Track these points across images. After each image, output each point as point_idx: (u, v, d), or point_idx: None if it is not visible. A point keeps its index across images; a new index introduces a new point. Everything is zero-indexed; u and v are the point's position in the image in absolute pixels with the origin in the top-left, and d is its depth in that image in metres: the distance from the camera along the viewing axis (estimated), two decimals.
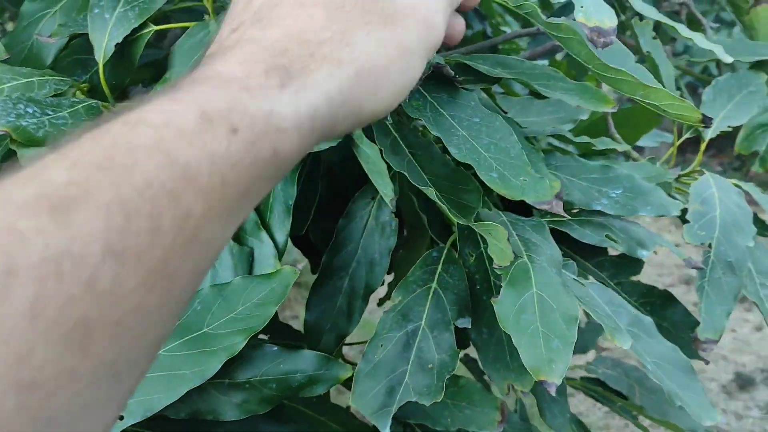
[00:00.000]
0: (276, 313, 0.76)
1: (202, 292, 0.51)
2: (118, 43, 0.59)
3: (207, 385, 0.50)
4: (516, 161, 0.46)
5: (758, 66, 0.85)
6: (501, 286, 0.45)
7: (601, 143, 0.64)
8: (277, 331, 0.70)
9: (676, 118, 0.41)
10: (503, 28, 1.16)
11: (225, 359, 0.48)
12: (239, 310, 0.51)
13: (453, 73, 0.52)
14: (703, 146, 0.70)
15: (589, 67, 0.51)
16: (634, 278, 0.63)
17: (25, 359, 0.17)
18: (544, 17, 0.49)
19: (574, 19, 0.43)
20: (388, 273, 0.68)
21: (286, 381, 0.51)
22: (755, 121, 0.82)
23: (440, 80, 0.52)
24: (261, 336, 0.70)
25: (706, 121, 0.40)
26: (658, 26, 0.96)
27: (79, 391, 0.19)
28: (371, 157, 0.50)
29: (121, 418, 0.46)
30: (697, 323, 0.57)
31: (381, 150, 0.48)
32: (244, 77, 0.26)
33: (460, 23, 0.37)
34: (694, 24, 0.96)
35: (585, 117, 0.65)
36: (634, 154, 0.76)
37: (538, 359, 0.42)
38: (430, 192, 0.46)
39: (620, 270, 0.62)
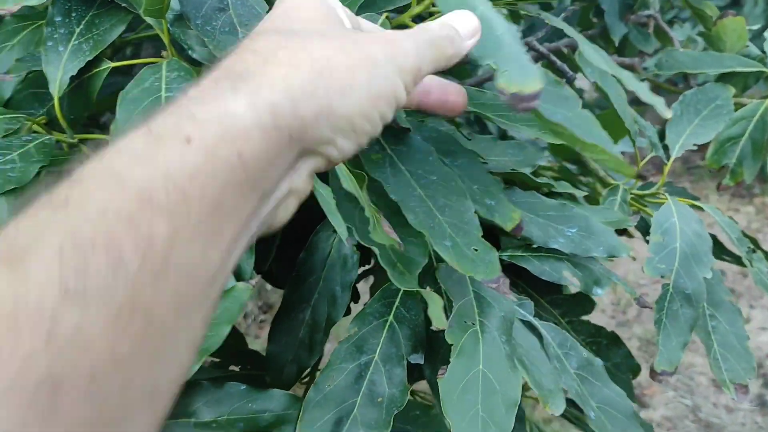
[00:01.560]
0: (245, 341, 0.76)
1: None
2: (73, 77, 0.58)
3: (172, 425, 0.50)
4: (469, 226, 0.46)
5: (725, 78, 0.85)
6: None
7: (560, 186, 0.64)
8: (247, 361, 0.71)
9: (613, 171, 0.41)
10: None
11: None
12: None
13: (403, 124, 0.52)
14: (666, 169, 0.71)
15: (532, 116, 0.51)
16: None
17: None
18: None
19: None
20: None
21: (254, 420, 0.51)
22: (724, 134, 0.82)
23: (398, 130, 0.52)
24: (232, 367, 0.70)
25: (641, 178, 0.41)
26: (625, 40, 0.96)
27: None
28: (325, 197, 0.50)
29: None
30: (638, 367, 0.57)
31: (334, 197, 0.48)
32: (194, 92, 0.25)
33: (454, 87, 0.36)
34: (662, 36, 0.96)
35: (543, 162, 0.66)
36: (601, 190, 0.76)
37: None
38: (376, 251, 0.46)
39: (572, 308, 0.62)
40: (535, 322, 0.53)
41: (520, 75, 0.34)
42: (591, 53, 0.43)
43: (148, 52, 0.86)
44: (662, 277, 0.59)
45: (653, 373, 0.57)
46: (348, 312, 0.62)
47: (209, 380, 0.51)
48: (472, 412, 0.44)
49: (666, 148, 0.72)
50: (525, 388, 0.51)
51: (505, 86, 0.34)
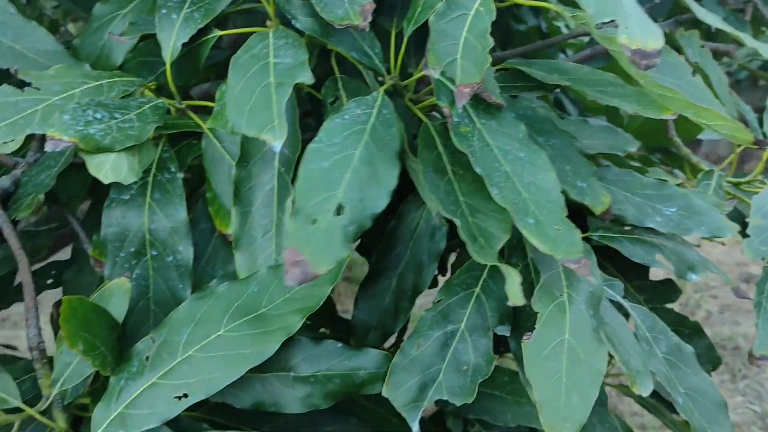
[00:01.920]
0: (335, 308, 0.78)
1: (259, 274, 0.52)
2: (184, 44, 0.61)
3: (271, 378, 0.52)
4: (554, 206, 0.46)
5: None
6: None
7: (655, 173, 0.63)
8: (337, 326, 0.73)
9: (727, 137, 0.40)
10: (558, 24, 1.14)
11: (283, 338, 0.49)
12: (294, 291, 0.52)
13: (496, 99, 0.52)
14: (765, 155, 0.68)
15: (640, 82, 0.50)
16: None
17: None
18: (597, 29, 0.49)
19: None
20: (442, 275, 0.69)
21: (350, 377, 0.53)
22: None
23: (491, 104, 0.52)
24: (322, 330, 0.73)
25: (760, 144, 0.40)
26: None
27: None
28: (417, 173, 0.51)
29: (185, 395, 0.47)
30: (719, 359, 0.56)
31: (422, 169, 0.49)
32: None
33: None
34: (757, 26, 0.92)
35: (634, 149, 0.64)
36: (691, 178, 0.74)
37: (555, 414, 0.44)
38: (458, 223, 0.47)
39: (657, 295, 0.62)
40: (625, 303, 0.53)
41: (641, 32, 0.34)
42: (704, 14, 0.43)
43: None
44: (763, 259, 0.58)
45: (752, 358, 0.56)
46: (434, 284, 0.64)
47: (308, 337, 0.52)
48: (555, 378, 0.45)
49: (765, 135, 0.70)
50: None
51: (627, 42, 0.34)
